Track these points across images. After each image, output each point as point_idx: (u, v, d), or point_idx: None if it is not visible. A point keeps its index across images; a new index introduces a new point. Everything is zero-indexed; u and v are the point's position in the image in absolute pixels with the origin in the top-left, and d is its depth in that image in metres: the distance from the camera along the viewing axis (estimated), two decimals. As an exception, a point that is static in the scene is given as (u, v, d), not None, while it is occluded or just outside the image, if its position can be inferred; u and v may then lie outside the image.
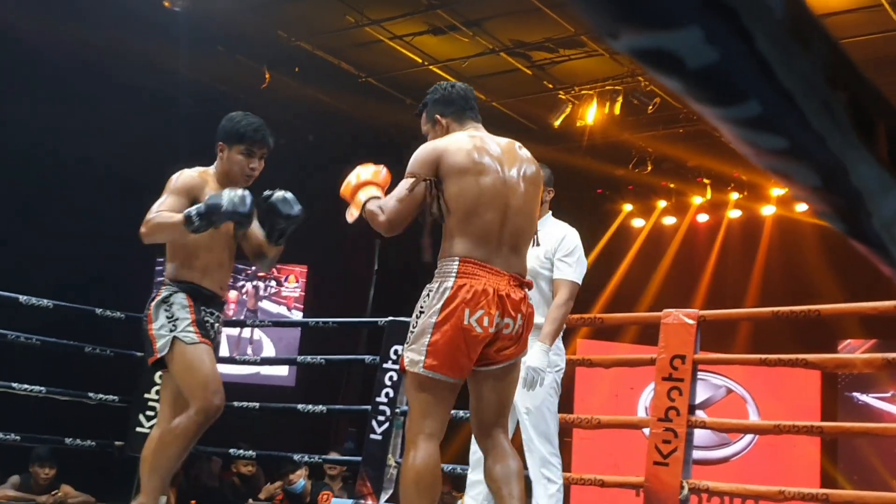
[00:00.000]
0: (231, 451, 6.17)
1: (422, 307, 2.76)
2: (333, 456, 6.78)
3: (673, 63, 0.42)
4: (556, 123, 8.53)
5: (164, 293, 3.37)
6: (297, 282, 10.55)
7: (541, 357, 3.66)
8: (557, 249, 3.89)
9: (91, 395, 5.90)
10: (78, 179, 8.07)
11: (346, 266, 10.01)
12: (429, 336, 2.69)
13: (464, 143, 2.86)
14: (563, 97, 8.45)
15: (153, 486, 3.19)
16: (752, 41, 0.41)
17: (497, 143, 2.92)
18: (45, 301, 5.65)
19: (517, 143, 3.00)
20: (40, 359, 6.23)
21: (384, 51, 8.04)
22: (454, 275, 2.72)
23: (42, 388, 5.64)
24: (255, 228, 3.54)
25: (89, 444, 5.87)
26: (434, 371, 2.68)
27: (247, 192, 3.25)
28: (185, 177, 3.36)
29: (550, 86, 8.42)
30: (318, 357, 6.07)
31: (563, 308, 3.82)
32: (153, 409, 5.94)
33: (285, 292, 10.61)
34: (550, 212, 4.08)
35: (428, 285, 2.79)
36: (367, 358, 5.81)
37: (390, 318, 5.61)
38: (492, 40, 7.73)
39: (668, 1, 0.39)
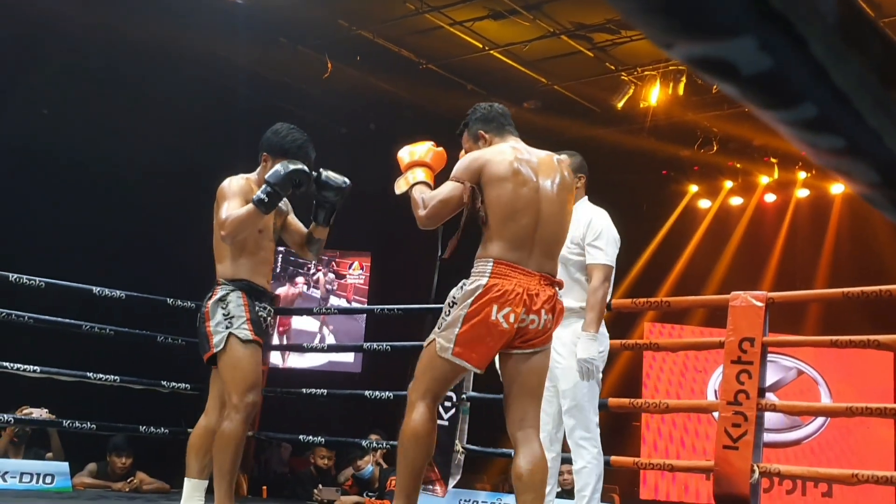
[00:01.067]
0: (301, 437, 6.26)
1: (454, 298, 3.01)
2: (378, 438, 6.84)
3: (728, 70, 0.42)
4: (619, 105, 8.46)
5: (220, 292, 3.52)
6: (361, 269, 10.64)
7: (590, 347, 3.79)
8: (586, 234, 3.91)
9: (164, 383, 6.03)
10: (144, 171, 8.22)
11: (410, 253, 10.06)
12: (458, 326, 2.96)
13: (506, 153, 3.09)
14: (626, 78, 8.37)
15: (224, 492, 3.37)
16: (807, 47, 0.41)
17: (536, 155, 3.15)
18: (118, 292, 5.79)
19: (555, 156, 3.23)
20: (114, 348, 6.39)
21: (444, 37, 8.04)
22: (488, 274, 2.97)
23: (116, 378, 5.79)
24: (294, 220, 3.83)
25: (163, 431, 6.01)
26: (460, 358, 2.97)
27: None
28: (235, 182, 3.59)
29: (612, 67, 8.34)
30: (384, 343, 6.13)
31: (599, 292, 3.85)
32: (224, 396, 6.06)
33: (350, 279, 10.70)
34: (586, 196, 4.11)
35: (464, 280, 3.04)
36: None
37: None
38: (552, 23, 7.68)
39: (723, 12, 0.40)
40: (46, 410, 5.82)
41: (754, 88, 0.45)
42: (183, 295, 6.18)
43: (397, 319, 6.69)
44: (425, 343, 3.09)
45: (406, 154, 3.31)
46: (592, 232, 3.91)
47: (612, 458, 5.05)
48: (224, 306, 3.49)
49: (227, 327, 3.45)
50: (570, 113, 9.14)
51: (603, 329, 3.94)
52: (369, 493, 6.39)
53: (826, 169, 0.51)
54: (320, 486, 6.44)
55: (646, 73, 8.22)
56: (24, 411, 5.73)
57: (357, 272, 10.65)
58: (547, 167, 3.11)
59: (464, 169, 3.08)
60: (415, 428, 3.00)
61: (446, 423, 5.30)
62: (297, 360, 10.19)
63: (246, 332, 3.45)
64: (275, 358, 9.45)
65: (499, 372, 3.15)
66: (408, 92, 8.94)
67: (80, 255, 7.33)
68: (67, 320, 5.66)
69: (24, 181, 7.81)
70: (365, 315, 9.98)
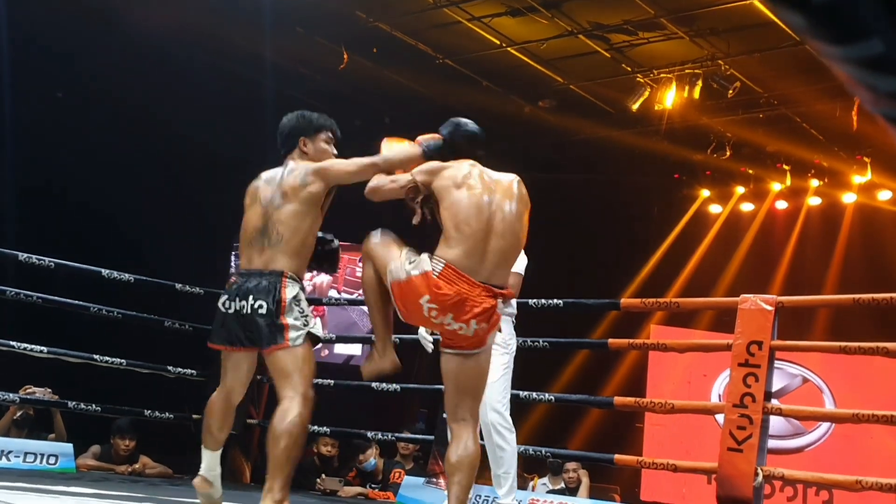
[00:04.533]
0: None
1: (411, 260, 3.27)
2: (404, 434, 6.84)
3: None
4: (634, 107, 8.44)
5: (293, 288, 3.41)
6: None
7: None
8: None
9: (170, 368, 6.04)
10: (162, 158, 8.24)
11: (415, 245, 10.06)
12: (402, 278, 3.24)
13: (464, 166, 3.42)
14: (642, 80, 8.35)
15: (286, 483, 3.26)
16: None
17: (495, 175, 3.46)
18: (127, 275, 5.80)
19: (517, 179, 3.52)
20: (121, 332, 6.40)
21: (462, 32, 8.03)
22: (438, 273, 3.19)
23: (122, 361, 5.80)
24: None
25: (167, 416, 6.02)
26: (395, 296, 3.28)
27: None
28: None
29: (629, 69, 8.33)
30: (392, 336, 6.11)
31: None
32: (230, 383, 6.06)
33: (360, 271, 10.72)
34: None
35: (427, 253, 3.28)
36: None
37: (463, 298, 5.62)
38: (570, 22, 7.67)
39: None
40: (50, 390, 5.83)
41: (822, 19, 0.44)
42: (191, 281, 6.19)
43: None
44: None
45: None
46: None
47: (616, 456, 5.05)
48: (298, 303, 3.40)
49: (304, 325, 3.38)
50: (584, 113, 9.13)
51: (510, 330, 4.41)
52: (372, 485, 6.39)
53: (882, 117, 0.50)
54: (323, 475, 6.44)
55: (662, 75, 8.20)
56: (28, 390, 5.74)
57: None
58: (505, 185, 3.42)
59: (423, 168, 3.44)
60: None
61: (451, 416, 5.30)
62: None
63: (320, 332, 3.48)
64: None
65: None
66: (423, 86, 8.94)
67: (88, 238, 7.35)
68: (75, 301, 5.67)
69: (37, 164, 7.83)
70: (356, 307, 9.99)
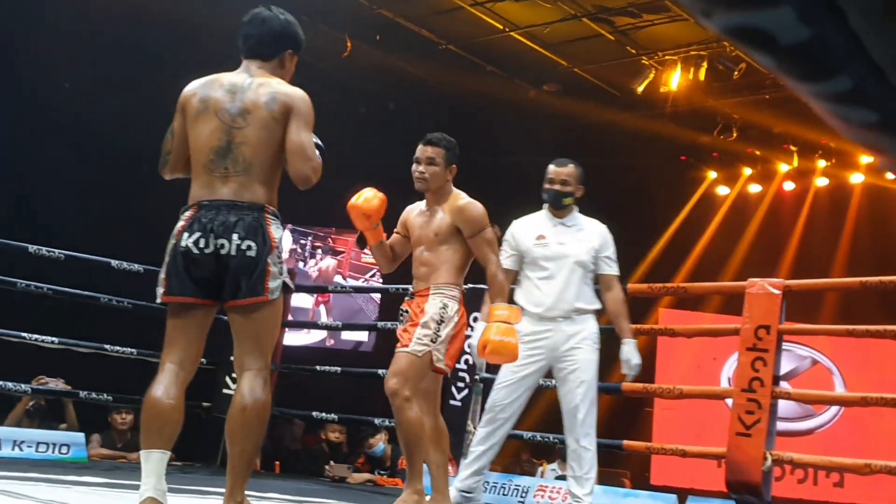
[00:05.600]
0: (314, 413, 6.30)
1: (441, 316, 3.68)
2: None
3: (765, 40, 0.43)
4: (639, 89, 8.41)
5: (279, 228, 2.85)
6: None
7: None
8: (601, 246, 4.24)
9: (180, 357, 6.06)
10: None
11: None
12: (447, 344, 3.70)
13: None
14: (647, 63, 8.32)
15: (247, 479, 2.77)
16: (845, 18, 0.41)
17: None
18: (136, 266, 5.82)
19: None
20: (131, 321, 6.43)
21: (465, 18, 8.01)
22: (458, 301, 3.75)
23: (133, 350, 5.83)
24: None
25: (178, 405, 6.05)
26: (448, 367, 3.77)
27: None
28: None
29: (633, 51, 8.30)
30: (398, 323, 6.13)
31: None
32: (239, 371, 6.09)
33: (365, 257, 10.73)
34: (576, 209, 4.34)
35: (443, 300, 3.71)
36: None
37: (469, 285, 5.63)
38: (574, 6, 7.64)
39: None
40: (63, 381, 5.87)
41: (790, 59, 0.45)
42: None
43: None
44: (417, 352, 3.62)
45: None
46: (607, 245, 4.22)
47: (625, 442, 5.06)
48: (279, 245, 2.82)
49: (281, 272, 2.80)
50: (589, 96, 9.11)
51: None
52: (381, 472, 6.42)
53: (857, 144, 0.51)
54: (332, 462, 6.47)
55: (667, 57, 8.17)
56: (42, 381, 5.78)
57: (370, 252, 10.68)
58: None
59: (486, 217, 3.85)
60: (420, 422, 3.64)
61: (459, 403, 5.32)
62: (293, 338, 10.22)
63: (290, 281, 2.88)
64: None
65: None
66: (427, 72, 8.92)
67: (99, 229, 7.37)
68: (86, 292, 5.69)
69: (45, 155, 7.85)
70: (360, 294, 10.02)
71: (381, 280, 10.46)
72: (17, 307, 6.20)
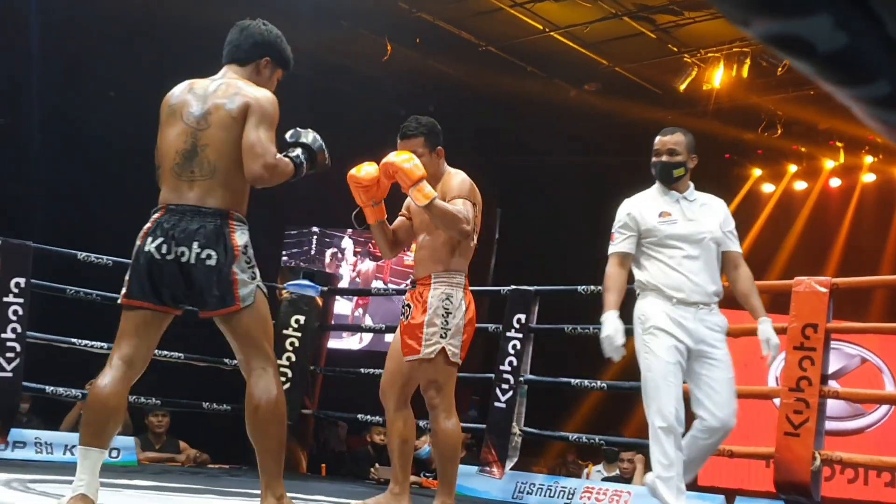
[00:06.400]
0: (359, 416, 6.33)
1: (446, 308, 3.58)
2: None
3: (804, 48, 0.43)
4: (682, 87, 8.35)
5: (244, 234, 2.81)
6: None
7: None
8: (724, 222, 3.79)
9: (227, 361, 6.13)
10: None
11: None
12: (461, 335, 3.63)
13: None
14: (689, 60, 8.26)
15: (281, 472, 2.84)
16: (882, 25, 0.41)
17: None
18: (182, 271, 5.89)
19: None
20: (179, 326, 6.49)
21: (505, 19, 8.01)
22: (463, 287, 3.65)
23: (181, 355, 5.91)
24: None
25: (225, 408, 6.12)
26: (461, 360, 3.70)
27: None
28: (275, 105, 3.01)
29: (675, 49, 8.24)
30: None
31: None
32: (285, 374, 6.15)
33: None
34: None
35: (445, 291, 3.59)
36: (490, 326, 5.86)
37: (512, 286, 5.64)
38: (614, 4, 7.61)
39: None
40: (113, 385, 5.94)
41: (829, 66, 0.45)
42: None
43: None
44: (429, 355, 3.57)
45: (408, 163, 3.50)
46: (729, 219, 3.82)
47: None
48: (246, 251, 2.79)
49: (252, 278, 2.79)
50: (631, 95, 9.05)
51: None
52: (426, 474, 6.43)
53: (897, 146, 0.51)
54: (377, 465, 6.50)
55: (709, 54, 8.10)
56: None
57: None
58: None
59: (469, 192, 3.65)
60: (458, 434, 3.69)
61: (504, 405, 5.31)
62: (336, 342, 10.28)
63: (265, 287, 2.88)
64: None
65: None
66: (467, 74, 8.93)
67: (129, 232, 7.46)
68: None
69: (92, 163, 7.97)
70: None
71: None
72: (68, 313, 6.30)
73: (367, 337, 10.36)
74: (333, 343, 9.32)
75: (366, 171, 3.65)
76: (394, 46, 8.32)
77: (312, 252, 10.51)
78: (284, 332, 6.24)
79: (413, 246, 3.93)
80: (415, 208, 3.71)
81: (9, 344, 5.09)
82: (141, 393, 5.75)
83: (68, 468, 4.88)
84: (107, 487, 4.10)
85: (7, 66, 7.71)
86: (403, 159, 3.50)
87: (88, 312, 6.28)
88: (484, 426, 5.54)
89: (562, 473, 6.68)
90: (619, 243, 3.66)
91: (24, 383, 5.23)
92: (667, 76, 8.50)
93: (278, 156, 2.85)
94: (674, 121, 9.12)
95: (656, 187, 3.75)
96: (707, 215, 3.68)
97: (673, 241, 3.62)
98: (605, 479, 6.30)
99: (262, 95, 2.87)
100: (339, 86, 8.79)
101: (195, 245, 2.71)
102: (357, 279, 10.70)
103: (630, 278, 3.71)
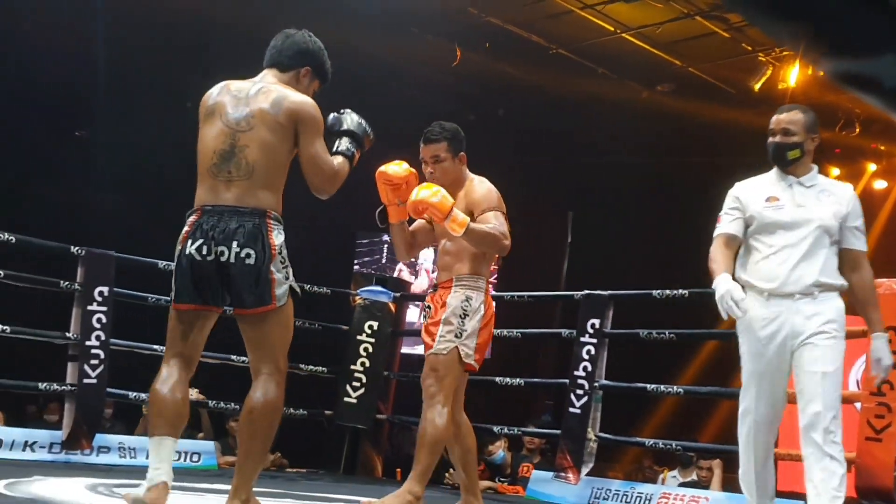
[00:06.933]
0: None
1: (464, 310, 3.57)
2: (530, 428, 6.86)
3: (871, 84, 0.43)
4: (756, 87, 8.22)
5: (281, 234, 2.84)
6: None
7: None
8: (849, 214, 3.38)
9: (302, 366, 6.22)
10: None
11: (539, 239, 10.05)
12: (475, 338, 3.59)
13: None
14: (763, 59, 8.13)
15: (258, 471, 2.88)
16: None
17: None
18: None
19: None
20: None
21: (575, 21, 7.98)
22: (483, 291, 3.63)
23: (258, 360, 6.00)
24: None
25: (301, 413, 6.21)
26: (477, 363, 3.63)
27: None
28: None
29: (749, 48, 8.12)
30: (515, 331, 6.15)
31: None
32: (359, 380, 6.21)
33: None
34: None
35: (465, 293, 3.59)
36: (564, 332, 5.85)
37: (586, 291, 5.61)
38: (686, 4, 7.53)
39: (869, 35, 0.41)
40: (197, 391, 6.08)
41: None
42: (318, 281, 6.35)
43: (525, 306, 6.70)
44: (442, 350, 3.54)
45: (436, 198, 3.43)
46: (856, 213, 3.38)
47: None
48: (281, 251, 2.81)
49: (286, 278, 2.81)
50: (704, 95, 8.95)
51: None
52: (501, 479, 6.44)
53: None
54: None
55: (784, 53, 7.97)
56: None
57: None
58: None
59: (499, 202, 3.63)
60: (445, 428, 3.54)
61: (578, 411, 5.29)
62: (410, 347, 10.29)
63: (297, 287, 2.88)
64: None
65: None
66: (537, 77, 8.92)
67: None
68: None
69: (177, 173, 8.16)
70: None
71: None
72: (148, 321, 6.46)
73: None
74: (407, 349, 9.39)
75: (395, 169, 3.62)
76: (463, 51, 8.35)
77: (384, 261, 10.59)
78: (358, 337, 6.30)
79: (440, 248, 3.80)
80: None
81: (93, 351, 5.24)
82: (221, 398, 5.88)
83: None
84: (188, 491, 4.20)
85: (83, 77, 7.93)
86: (430, 194, 3.43)
87: (167, 319, 6.42)
88: (558, 432, 5.53)
89: (638, 479, 6.63)
90: (725, 225, 3.40)
91: (108, 389, 5.37)
92: (741, 75, 8.38)
93: (336, 163, 2.92)
94: (749, 120, 8.99)
95: (773, 171, 3.43)
96: (823, 203, 3.31)
97: (775, 228, 3.31)
98: (681, 485, 6.23)
99: (309, 102, 2.92)
100: (409, 92, 8.85)
101: (234, 244, 2.74)
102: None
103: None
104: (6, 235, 5.07)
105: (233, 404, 5.91)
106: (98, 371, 5.24)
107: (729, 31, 7.90)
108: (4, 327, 5.08)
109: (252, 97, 2.87)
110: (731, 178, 4.10)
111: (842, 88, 0.47)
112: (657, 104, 9.15)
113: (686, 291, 5.27)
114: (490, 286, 3.71)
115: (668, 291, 5.29)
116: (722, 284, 3.20)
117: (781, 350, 3.23)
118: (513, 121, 9.71)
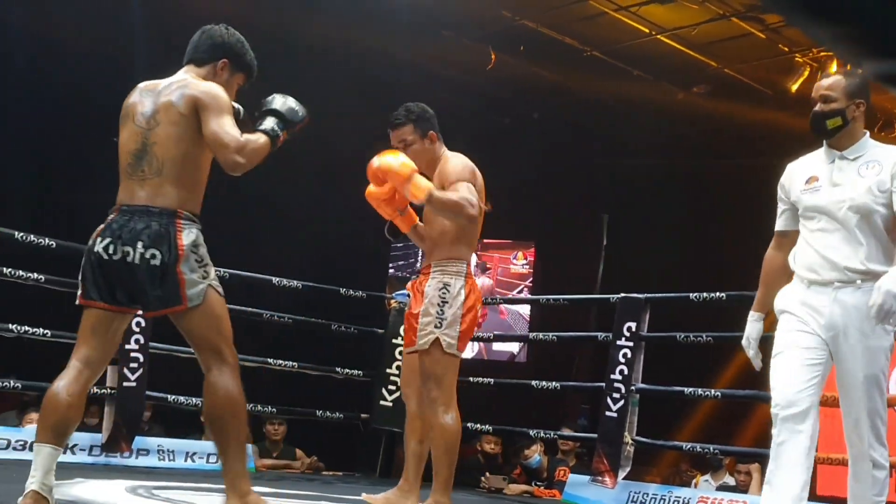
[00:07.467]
0: (468, 424, 6.35)
1: (443, 297, 3.46)
2: (566, 432, 6.83)
3: None
4: (794, 88, 8.14)
5: (192, 232, 2.80)
6: (525, 259, 10.68)
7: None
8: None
9: (338, 369, 6.25)
10: (314, 168, 8.49)
11: (574, 242, 10.02)
12: (458, 325, 3.47)
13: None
14: (801, 60, 8.04)
15: (244, 465, 2.82)
16: None
17: None
18: (295, 282, 6.04)
19: None
20: (292, 336, 6.66)
21: (609, 23, 7.95)
22: (464, 275, 3.52)
23: (294, 364, 6.05)
24: None
25: (337, 416, 6.24)
26: (460, 351, 3.52)
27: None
28: (224, 93, 2.96)
29: (786, 49, 8.04)
30: (550, 334, 6.13)
31: None
32: (394, 383, 6.22)
33: (514, 269, 10.76)
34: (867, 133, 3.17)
35: (443, 279, 3.49)
36: (599, 335, 5.82)
37: (622, 294, 5.59)
38: (722, 5, 7.47)
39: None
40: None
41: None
42: (353, 285, 6.38)
43: (561, 309, 6.68)
44: (424, 346, 3.44)
45: (395, 162, 3.38)
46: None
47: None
48: (196, 250, 2.78)
49: (203, 277, 2.78)
50: (740, 97, 8.87)
51: None
52: (538, 483, 6.42)
53: None
54: (487, 473, 6.52)
55: (822, 53, 7.88)
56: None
57: (521, 262, 10.70)
58: None
59: (471, 175, 3.52)
60: (457, 431, 3.48)
61: (615, 414, 5.27)
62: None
63: (219, 287, 2.86)
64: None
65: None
66: (571, 80, 8.90)
67: (260, 248, 7.68)
68: (250, 309, 5.94)
69: (212, 175, 8.21)
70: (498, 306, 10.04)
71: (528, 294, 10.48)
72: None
73: (476, 346, 10.41)
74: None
75: (374, 188, 3.59)
76: (497, 55, 8.35)
77: (419, 265, 10.62)
78: (394, 341, 6.31)
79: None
80: None
81: (133, 355, 5.29)
82: (258, 402, 5.92)
83: (190, 475, 5.06)
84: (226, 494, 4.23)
85: (121, 83, 8.00)
86: (388, 159, 3.38)
87: (281, 334, 6.47)
88: (595, 435, 5.51)
89: (675, 483, 6.58)
90: (777, 221, 3.13)
91: (147, 392, 5.43)
92: (778, 76, 8.29)
93: (245, 136, 2.84)
94: (786, 122, 8.91)
95: (823, 146, 3.11)
96: (863, 178, 2.94)
97: (813, 212, 2.99)
98: (719, 488, 6.17)
99: (209, 86, 2.87)
100: (442, 96, 8.85)
101: (139, 245, 2.73)
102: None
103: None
104: (46, 240, 5.14)
105: (269, 408, 5.95)
106: (137, 374, 5.30)
107: (765, 32, 7.82)
108: (45, 331, 5.15)
109: (160, 93, 2.87)
110: (767, 179, 4.06)
111: (884, 88, 0.47)
112: (693, 106, 9.08)
113: (723, 294, 5.23)
114: (469, 268, 3.58)
115: (705, 294, 5.25)
116: (747, 328, 3.15)
117: (817, 342, 2.92)
118: (548, 124, 9.68)
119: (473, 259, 10.47)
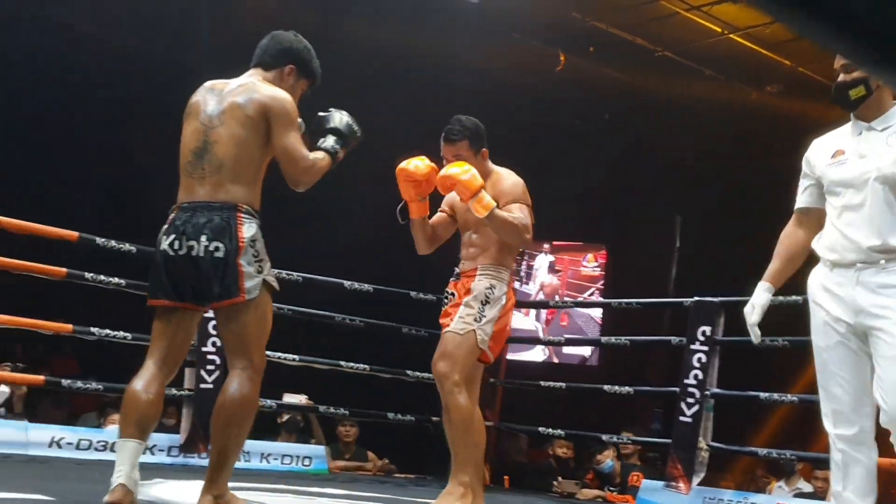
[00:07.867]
0: (540, 429, 6.34)
1: (487, 297, 3.56)
2: (630, 437, 6.76)
3: None
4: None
5: (252, 227, 2.82)
6: (596, 262, 10.60)
7: None
8: None
9: (409, 372, 6.28)
10: (382, 175, 8.55)
11: (646, 245, 9.92)
12: (493, 325, 3.58)
13: None
14: (878, 57, 7.86)
15: (228, 472, 2.81)
16: None
17: None
18: (367, 286, 6.09)
19: None
20: (364, 339, 6.71)
21: (681, 23, 7.86)
22: (506, 282, 3.64)
23: (366, 367, 6.10)
24: None
25: (409, 419, 6.26)
26: (490, 351, 3.64)
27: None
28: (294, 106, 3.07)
29: (861, 46, 7.86)
30: (623, 338, 6.08)
31: None
32: (465, 386, 6.23)
33: (584, 271, 10.70)
34: None
35: (490, 280, 3.59)
36: (673, 339, 5.75)
37: (696, 297, 5.51)
38: (796, 3, 7.34)
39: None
40: (306, 397, 6.20)
41: None
42: (423, 288, 6.40)
43: (633, 313, 6.62)
44: (458, 330, 3.53)
45: (463, 174, 3.47)
46: None
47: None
48: (254, 244, 2.80)
49: (259, 271, 2.81)
50: (815, 96, 8.68)
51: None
52: (610, 488, 6.37)
53: None
54: (560, 478, 6.48)
55: None
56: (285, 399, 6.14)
57: (592, 265, 10.62)
58: None
59: (524, 194, 3.63)
60: (470, 409, 3.55)
61: (689, 419, 5.20)
62: (516, 355, 10.28)
63: (274, 280, 2.88)
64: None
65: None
66: (642, 80, 8.82)
67: (332, 252, 7.75)
68: (322, 312, 5.99)
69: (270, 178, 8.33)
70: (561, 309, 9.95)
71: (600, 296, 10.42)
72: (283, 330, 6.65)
73: (546, 349, 10.38)
74: (513, 355, 9.38)
75: (416, 165, 3.66)
76: (567, 57, 8.31)
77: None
78: (465, 344, 6.34)
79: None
80: (461, 206, 3.67)
81: (210, 357, 5.38)
82: (330, 404, 5.98)
83: (265, 475, 5.13)
84: (300, 495, 4.28)
85: (183, 87, 8.14)
86: (460, 171, 3.46)
87: (279, 327, 6.54)
88: (669, 440, 5.44)
89: (751, 489, 6.47)
90: (798, 197, 3.02)
91: (223, 394, 5.52)
92: (855, 74, 8.11)
93: (313, 155, 2.93)
94: (864, 120, 8.71)
95: (851, 119, 2.94)
96: (892, 147, 2.77)
97: (838, 187, 2.84)
98: (797, 495, 6.05)
99: (279, 95, 2.92)
100: (513, 99, 8.84)
101: (203, 238, 2.77)
102: (540, 293, 10.70)
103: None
104: (127, 245, 5.26)
105: (342, 409, 6.01)
106: (214, 376, 5.38)
107: (842, 29, 7.66)
108: (126, 334, 5.26)
109: (227, 94, 2.91)
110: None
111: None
112: (766, 105, 8.93)
113: (799, 298, 5.12)
114: (513, 279, 3.75)
115: (780, 298, 5.13)
116: (753, 296, 3.04)
117: (846, 332, 2.76)
118: (619, 125, 9.61)
119: (544, 260, 10.43)
